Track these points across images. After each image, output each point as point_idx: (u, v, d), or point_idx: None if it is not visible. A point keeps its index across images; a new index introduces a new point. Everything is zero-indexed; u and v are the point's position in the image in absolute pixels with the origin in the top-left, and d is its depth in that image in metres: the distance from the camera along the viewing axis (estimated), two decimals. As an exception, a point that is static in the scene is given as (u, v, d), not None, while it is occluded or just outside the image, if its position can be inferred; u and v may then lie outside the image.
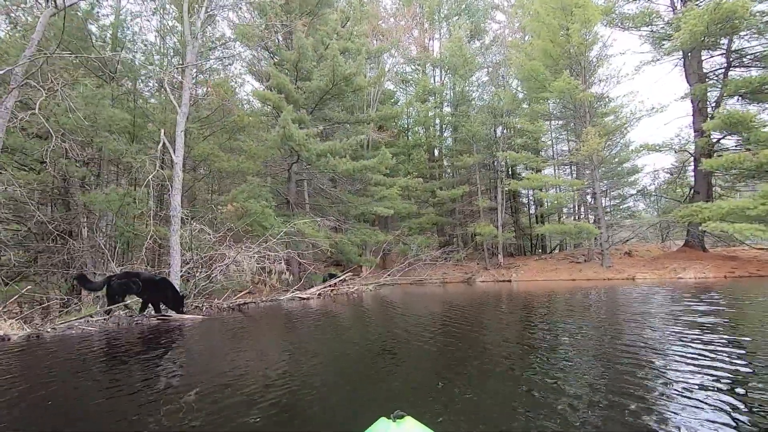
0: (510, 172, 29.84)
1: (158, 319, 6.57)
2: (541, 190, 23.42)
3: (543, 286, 16.64)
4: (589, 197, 24.93)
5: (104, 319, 6.09)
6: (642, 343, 4.51)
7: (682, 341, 4.47)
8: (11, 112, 9.50)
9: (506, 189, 25.69)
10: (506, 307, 9.75)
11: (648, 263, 20.35)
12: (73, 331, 5.53)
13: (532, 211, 34.86)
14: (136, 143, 14.00)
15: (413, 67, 32.61)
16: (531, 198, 35.28)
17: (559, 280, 20.33)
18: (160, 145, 10.28)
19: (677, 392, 2.92)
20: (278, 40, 21.95)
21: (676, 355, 3.94)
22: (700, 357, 3.82)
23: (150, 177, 9.84)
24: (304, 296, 11.18)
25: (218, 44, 17.32)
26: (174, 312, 7.49)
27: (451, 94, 29.67)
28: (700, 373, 3.33)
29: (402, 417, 1.81)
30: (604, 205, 21.14)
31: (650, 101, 41.90)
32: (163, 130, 10.26)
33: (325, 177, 21.24)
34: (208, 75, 17.20)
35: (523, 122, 21.28)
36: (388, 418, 1.83)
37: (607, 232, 20.46)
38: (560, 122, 26.61)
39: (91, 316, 6.13)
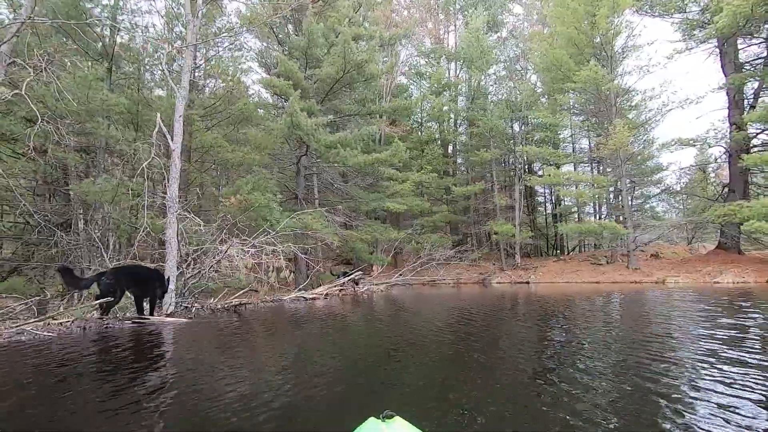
0: (527, 170, 28.69)
1: (133, 323, 5.69)
2: (562, 187, 22.20)
3: (564, 289, 15.56)
4: (612, 195, 23.68)
5: (69, 322, 5.22)
6: (685, 366, 3.55)
7: (741, 366, 3.47)
8: (-3, 93, 8.82)
9: (525, 186, 24.57)
10: (524, 311, 8.78)
11: (678, 266, 19.05)
12: (24, 337, 4.62)
13: (549, 210, 33.64)
14: (139, 133, 13.31)
15: (427, 60, 31.55)
16: (548, 197, 34.09)
17: (581, 282, 19.16)
18: (156, 130, 9.48)
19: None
20: (288, 30, 21.20)
21: (731, 386, 2.95)
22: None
23: (144, 165, 9.05)
24: (310, 296, 10.29)
25: (224, 31, 16.57)
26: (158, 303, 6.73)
27: (467, 87, 28.60)
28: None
29: (391, 417, 1.81)
30: (630, 203, 19.87)
31: (682, 93, 39.78)
32: (159, 114, 9.45)
33: (336, 172, 20.39)
34: (214, 62, 16.41)
35: (545, 114, 20.10)
36: (378, 417, 1.82)
37: (634, 232, 19.21)
38: (581, 118, 25.34)
39: (54, 318, 5.30)
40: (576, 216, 31.28)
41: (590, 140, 29.22)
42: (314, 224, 13.82)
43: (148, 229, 8.84)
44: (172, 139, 10.12)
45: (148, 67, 15.04)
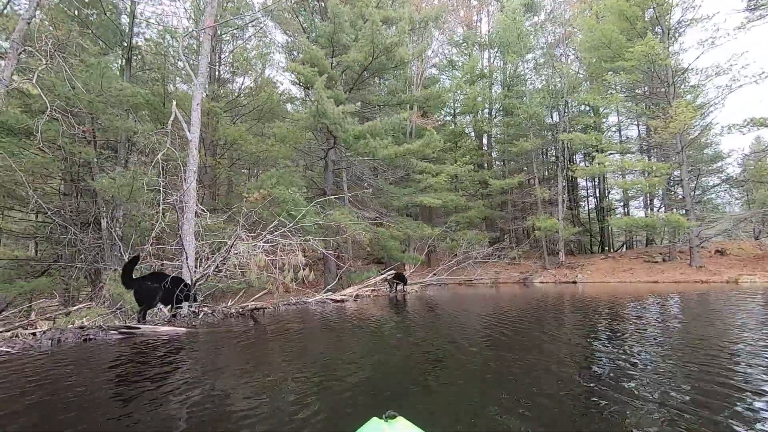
0: (569, 161, 26.74)
1: (120, 333, 4.81)
2: (614, 176, 20.31)
3: (617, 290, 13.94)
4: (667, 186, 21.49)
5: (42, 332, 4.37)
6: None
7: None
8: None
9: (567, 178, 22.79)
10: (573, 315, 7.45)
11: (751, 263, 16.88)
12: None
13: (591, 204, 31.41)
14: (163, 127, 12.84)
15: (459, 49, 30.05)
16: (590, 190, 31.82)
17: (636, 282, 17.31)
18: (171, 118, 8.78)
19: None
20: (315, 21, 20.45)
21: None
22: None
23: (159, 156, 8.36)
24: (338, 298, 9.34)
25: (249, 21, 15.93)
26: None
27: (502, 76, 26.95)
28: None
29: (394, 417, 1.78)
30: (693, 194, 17.81)
31: (755, 66, 35.35)
32: (175, 102, 8.75)
33: (365, 166, 19.45)
34: (238, 52, 15.76)
35: (592, 97, 18.30)
36: (380, 418, 1.79)
37: (699, 225, 17.17)
38: (629, 103, 23.21)
39: (25, 328, 4.50)
40: (623, 210, 28.95)
41: (640, 127, 26.93)
42: (342, 220, 12.91)
43: (163, 225, 8.11)
44: (189, 129, 9.44)
45: (171, 58, 14.60)
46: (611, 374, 3.11)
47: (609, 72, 17.47)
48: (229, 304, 7.23)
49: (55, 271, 12.19)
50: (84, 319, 5.10)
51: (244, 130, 12.84)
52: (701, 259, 17.50)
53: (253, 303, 7.33)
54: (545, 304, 9.83)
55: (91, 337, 4.43)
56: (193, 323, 5.59)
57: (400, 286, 13.47)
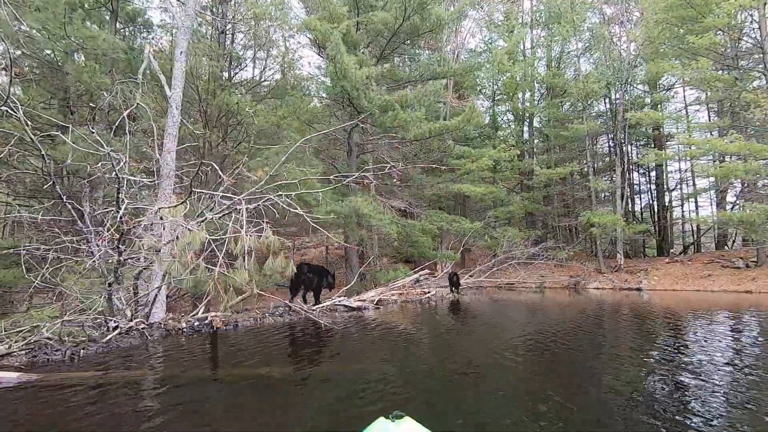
0: (629, 148, 23.39)
1: None
2: (698, 161, 17.14)
3: (699, 300, 11.50)
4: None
5: None
6: None
7: None
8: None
9: (623, 169, 19.69)
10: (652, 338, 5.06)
11: None
12: None
13: (645, 200, 27.77)
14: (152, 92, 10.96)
15: (499, 32, 27.15)
16: (644, 185, 28.20)
17: (720, 291, 14.24)
18: (143, 66, 6.79)
19: None
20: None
21: None
22: None
23: (125, 114, 6.36)
24: (353, 305, 7.06)
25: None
26: None
27: (548, 55, 23.98)
28: None
29: (401, 417, 1.76)
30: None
31: None
32: (149, 47, 6.75)
33: (395, 151, 17.14)
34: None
35: (671, 66, 15.27)
36: (387, 417, 1.77)
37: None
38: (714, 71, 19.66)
39: None
40: (682, 206, 25.35)
41: (710, 111, 23.36)
42: (366, 208, 10.71)
43: (126, 203, 6.11)
44: (169, 85, 7.42)
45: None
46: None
47: (690, 35, 14.37)
48: (175, 315, 5.01)
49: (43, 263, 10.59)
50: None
51: (250, 99, 10.82)
52: (806, 266, 14.24)
53: (214, 313, 4.97)
54: (607, 319, 7.45)
55: None
56: (71, 356, 3.35)
57: (454, 289, 11.47)
